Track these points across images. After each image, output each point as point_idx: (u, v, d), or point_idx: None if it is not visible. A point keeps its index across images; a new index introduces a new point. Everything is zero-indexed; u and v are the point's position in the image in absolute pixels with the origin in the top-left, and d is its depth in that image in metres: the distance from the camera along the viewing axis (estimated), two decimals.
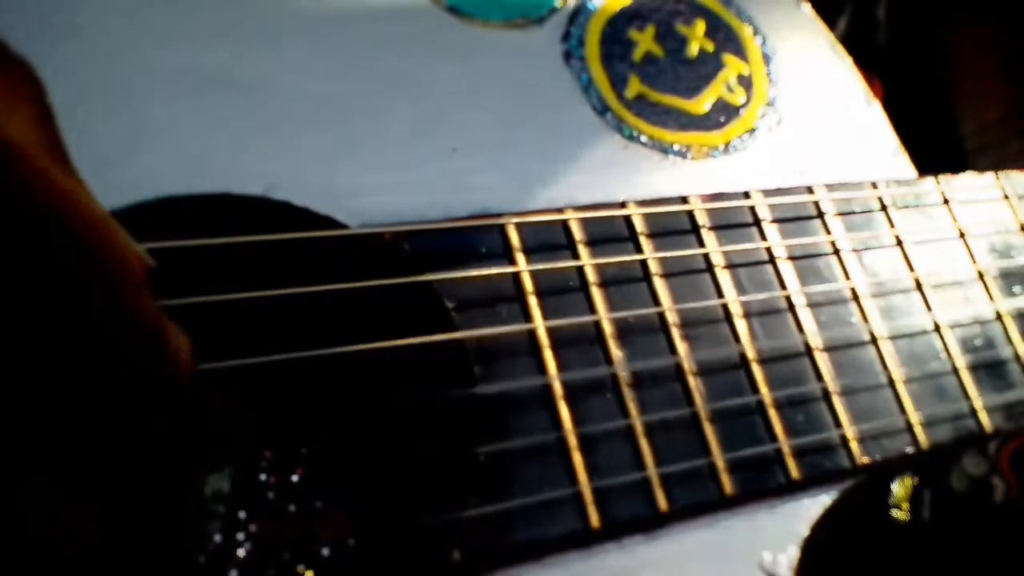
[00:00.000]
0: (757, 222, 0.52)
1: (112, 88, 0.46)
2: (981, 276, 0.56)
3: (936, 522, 0.46)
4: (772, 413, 0.46)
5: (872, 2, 0.91)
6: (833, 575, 0.46)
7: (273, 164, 0.46)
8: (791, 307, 0.50)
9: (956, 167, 0.61)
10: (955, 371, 0.52)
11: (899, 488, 0.46)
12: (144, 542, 0.40)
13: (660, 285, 0.48)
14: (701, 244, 0.50)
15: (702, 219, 0.51)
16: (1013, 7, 0.88)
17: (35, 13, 0.46)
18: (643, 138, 0.54)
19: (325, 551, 0.42)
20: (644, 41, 0.58)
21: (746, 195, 0.53)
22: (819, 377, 0.48)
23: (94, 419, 0.33)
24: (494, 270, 0.46)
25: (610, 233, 0.49)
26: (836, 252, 0.53)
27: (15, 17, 0.46)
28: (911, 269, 0.54)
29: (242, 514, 0.42)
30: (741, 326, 0.48)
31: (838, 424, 0.47)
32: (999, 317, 0.55)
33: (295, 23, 0.51)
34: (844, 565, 0.46)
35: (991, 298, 0.55)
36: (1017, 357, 0.54)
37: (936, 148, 0.82)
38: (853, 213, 0.55)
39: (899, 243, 0.55)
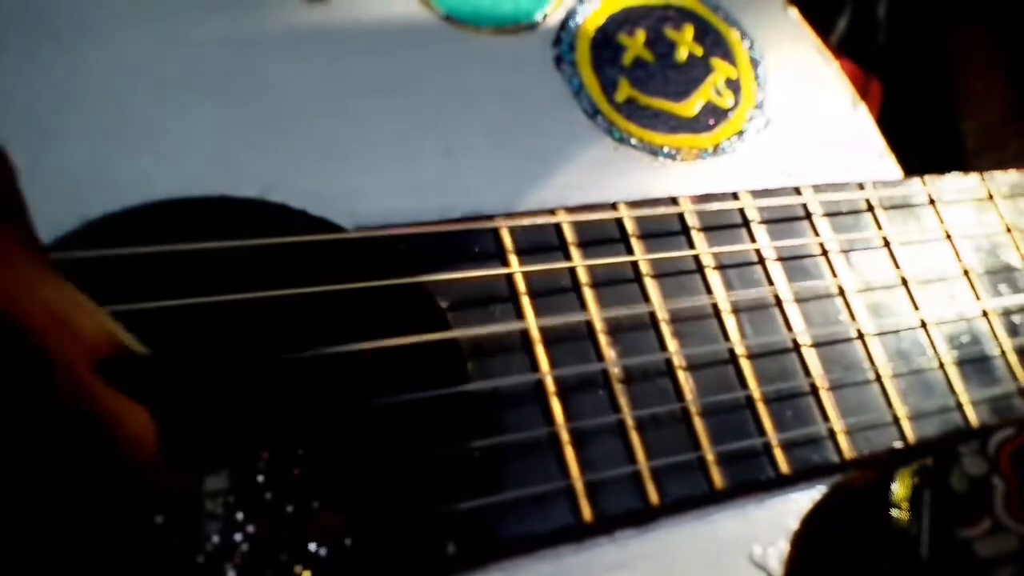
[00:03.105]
0: (746, 223, 0.53)
1: (110, 92, 0.47)
2: (967, 275, 0.57)
3: (933, 520, 0.46)
4: (761, 408, 0.47)
5: (872, 2, 0.92)
6: (823, 569, 0.46)
7: (269, 167, 0.47)
8: (779, 305, 0.51)
9: (956, 167, 0.62)
10: (942, 367, 0.52)
11: (899, 487, 0.47)
12: (142, 543, 0.40)
13: (651, 285, 0.49)
14: (691, 245, 0.51)
15: (692, 220, 0.52)
16: (1013, 7, 0.89)
17: (35, 17, 0.47)
18: (633, 141, 0.55)
19: (322, 551, 0.42)
20: (634, 46, 0.59)
21: (735, 196, 0.54)
22: (807, 373, 0.49)
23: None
24: (487, 271, 0.46)
25: (601, 234, 0.50)
26: (824, 252, 0.54)
27: (15, 19, 0.46)
28: (898, 268, 0.55)
29: (240, 515, 0.42)
30: (730, 323, 0.49)
31: (826, 418, 0.48)
32: (985, 315, 0.56)
33: (292, 29, 0.52)
34: (834, 559, 0.47)
35: (977, 296, 0.56)
36: (1002, 353, 0.54)
37: (936, 148, 0.83)
38: (840, 214, 0.56)
39: (886, 243, 0.56)
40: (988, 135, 0.87)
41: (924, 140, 0.67)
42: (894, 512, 0.46)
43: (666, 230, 0.51)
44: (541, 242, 0.48)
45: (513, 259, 0.47)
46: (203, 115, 0.47)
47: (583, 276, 0.48)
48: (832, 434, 0.48)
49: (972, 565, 0.45)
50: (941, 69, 0.91)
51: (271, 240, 0.43)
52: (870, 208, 0.57)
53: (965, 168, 0.62)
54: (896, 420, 0.50)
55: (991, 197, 0.61)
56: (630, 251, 0.50)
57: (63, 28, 0.48)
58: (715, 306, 0.49)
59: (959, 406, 0.52)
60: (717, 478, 0.44)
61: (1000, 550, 0.45)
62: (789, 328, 0.50)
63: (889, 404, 0.50)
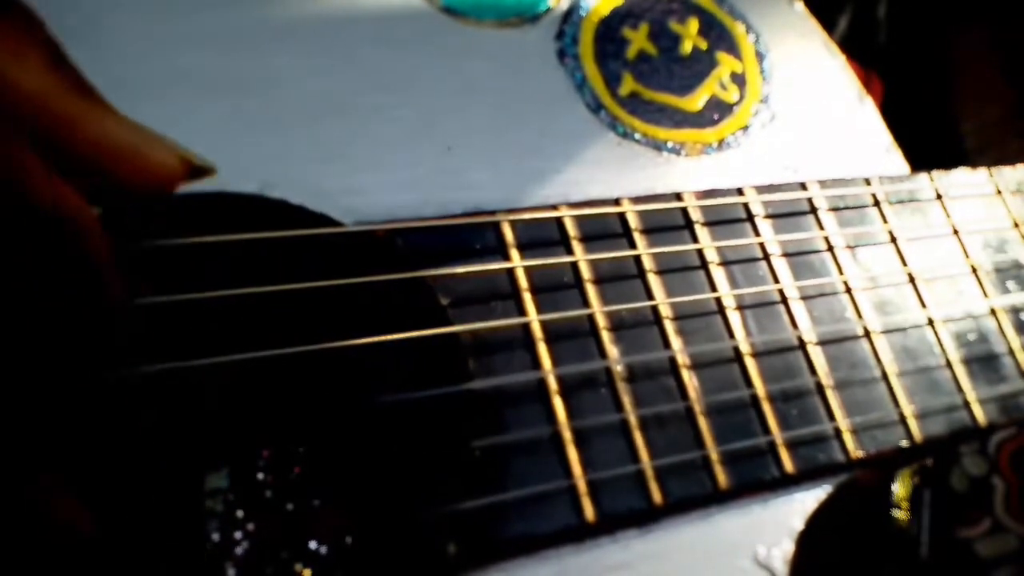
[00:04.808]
0: (751, 218, 0.53)
1: (109, 88, 0.46)
2: (975, 271, 0.56)
3: (933, 520, 0.46)
4: (766, 406, 0.46)
5: (872, 2, 0.91)
6: (827, 570, 0.46)
7: (269, 163, 0.47)
8: (785, 302, 0.50)
9: (956, 167, 0.61)
10: (948, 365, 0.52)
11: (899, 487, 0.46)
12: (142, 540, 0.40)
13: (654, 281, 0.48)
14: (695, 240, 0.51)
15: (696, 215, 0.51)
16: (1013, 7, 0.88)
17: None
18: (637, 135, 0.55)
19: (323, 549, 0.42)
20: (638, 39, 0.58)
21: (740, 191, 0.53)
22: (812, 371, 0.49)
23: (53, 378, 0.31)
24: (488, 266, 0.46)
25: (604, 230, 0.49)
26: (830, 248, 0.53)
27: None
28: (904, 264, 0.54)
29: (240, 512, 0.42)
30: (735, 321, 0.49)
31: (832, 417, 0.47)
32: (992, 312, 0.55)
33: (291, 23, 0.51)
34: (839, 560, 0.46)
35: (984, 293, 0.56)
36: (1010, 351, 0.54)
37: (936, 147, 0.83)
38: (847, 209, 0.55)
39: (893, 239, 0.55)
40: (988, 135, 0.87)
41: (924, 140, 0.67)
42: (894, 512, 0.46)
43: (670, 225, 0.51)
44: (543, 237, 0.48)
45: (514, 254, 0.47)
46: (203, 111, 0.47)
47: (585, 272, 0.47)
48: (838, 433, 0.47)
49: (972, 565, 0.45)
50: (941, 69, 0.91)
51: (269, 234, 0.43)
52: (876, 203, 0.56)
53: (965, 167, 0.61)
54: (903, 419, 0.49)
55: (999, 192, 0.60)
56: (633, 247, 0.49)
57: (64, 27, 0.47)
58: (719, 303, 0.49)
59: (966, 404, 0.51)
60: (721, 478, 0.44)
61: (1000, 550, 0.45)
62: (794, 325, 0.50)
63: (896, 402, 0.49)
